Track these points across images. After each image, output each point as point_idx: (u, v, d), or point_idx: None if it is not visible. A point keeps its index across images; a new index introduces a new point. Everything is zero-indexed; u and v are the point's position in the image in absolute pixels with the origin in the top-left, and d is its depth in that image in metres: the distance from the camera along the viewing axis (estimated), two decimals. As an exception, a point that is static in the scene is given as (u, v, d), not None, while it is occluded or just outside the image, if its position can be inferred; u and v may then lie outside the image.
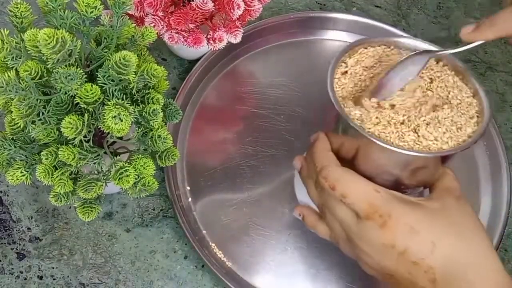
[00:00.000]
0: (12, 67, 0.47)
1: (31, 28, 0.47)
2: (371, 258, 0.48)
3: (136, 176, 0.51)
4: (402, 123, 0.50)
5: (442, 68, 0.55)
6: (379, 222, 0.46)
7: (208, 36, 0.65)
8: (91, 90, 0.47)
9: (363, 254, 0.48)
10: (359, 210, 0.47)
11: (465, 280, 0.44)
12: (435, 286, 0.45)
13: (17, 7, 0.49)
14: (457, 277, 0.44)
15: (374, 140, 0.47)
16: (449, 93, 0.53)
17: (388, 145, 0.47)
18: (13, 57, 0.47)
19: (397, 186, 0.50)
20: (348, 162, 0.50)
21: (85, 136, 0.49)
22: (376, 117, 0.50)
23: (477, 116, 0.52)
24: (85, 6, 0.48)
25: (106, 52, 0.51)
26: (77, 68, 0.46)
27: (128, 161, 0.53)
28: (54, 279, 0.59)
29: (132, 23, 0.54)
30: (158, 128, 0.52)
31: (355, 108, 0.51)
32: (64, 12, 0.49)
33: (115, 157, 0.53)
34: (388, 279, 0.48)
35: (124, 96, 0.49)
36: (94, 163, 0.51)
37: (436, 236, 0.45)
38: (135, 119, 0.50)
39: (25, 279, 0.59)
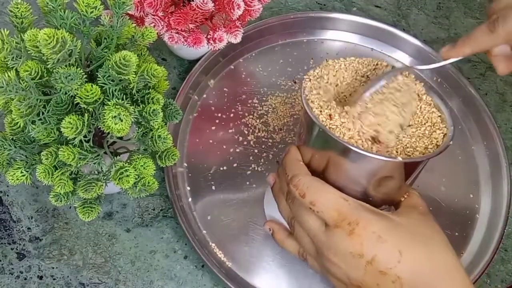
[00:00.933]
0: (12, 67, 0.47)
1: (31, 28, 0.47)
2: (340, 268, 0.48)
3: (136, 176, 0.51)
4: (370, 135, 0.51)
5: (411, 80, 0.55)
6: (347, 230, 0.46)
7: (208, 36, 0.65)
8: (91, 90, 0.47)
9: (332, 265, 0.48)
10: (327, 218, 0.47)
11: None
12: None
13: (17, 7, 0.49)
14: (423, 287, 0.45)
15: (348, 145, 0.47)
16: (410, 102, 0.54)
17: (361, 150, 0.47)
18: (13, 57, 0.47)
19: (364, 198, 0.50)
20: (319, 175, 0.51)
21: (85, 136, 0.49)
22: (344, 126, 0.50)
23: (444, 128, 0.53)
24: (85, 6, 0.48)
25: (106, 52, 0.51)
26: (77, 68, 0.46)
27: (128, 161, 0.53)
28: (54, 279, 0.59)
29: (132, 23, 0.54)
30: (158, 128, 0.52)
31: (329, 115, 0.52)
32: (64, 12, 0.49)
33: (115, 157, 0.53)
34: None
35: (124, 96, 0.49)
36: (94, 163, 0.51)
37: (403, 246, 0.46)
38: (135, 119, 0.50)
39: (25, 279, 0.59)
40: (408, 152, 0.51)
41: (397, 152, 0.51)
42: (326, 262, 0.49)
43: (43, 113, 0.48)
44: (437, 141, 0.52)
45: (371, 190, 0.50)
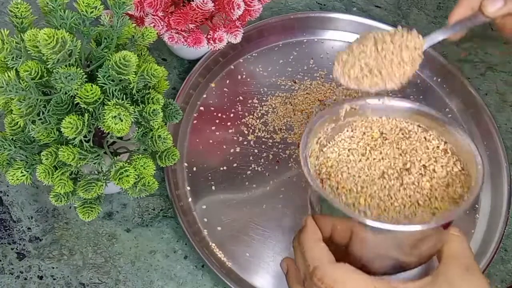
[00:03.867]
0: (12, 67, 0.47)
1: (31, 28, 0.47)
2: None
3: (136, 176, 0.51)
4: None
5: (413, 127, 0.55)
6: None
7: (208, 36, 0.65)
8: (91, 90, 0.47)
9: None
10: None
11: None
12: None
13: (17, 7, 0.49)
14: None
15: (364, 220, 0.44)
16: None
17: (385, 224, 0.44)
18: (13, 57, 0.47)
19: (398, 268, 0.47)
20: (341, 248, 0.47)
21: (85, 136, 0.49)
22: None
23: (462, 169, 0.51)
24: (85, 6, 0.48)
25: (106, 52, 0.51)
26: (77, 68, 0.46)
27: (128, 161, 0.53)
28: (54, 279, 0.59)
29: (132, 23, 0.54)
30: (158, 128, 0.52)
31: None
32: (64, 12, 0.49)
33: (115, 157, 0.53)
34: None
35: (124, 96, 0.49)
36: (94, 163, 0.51)
37: None
38: (135, 119, 0.50)
39: (25, 279, 0.59)
40: (435, 201, 0.48)
41: (424, 204, 0.48)
42: None
43: (43, 113, 0.48)
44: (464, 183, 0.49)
45: (404, 258, 0.47)
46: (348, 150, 0.54)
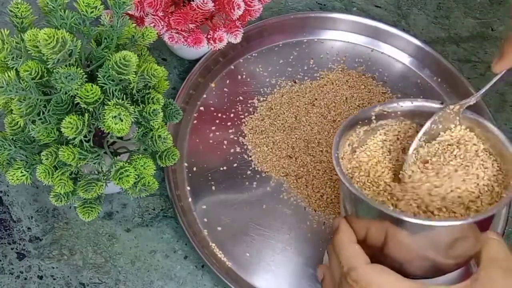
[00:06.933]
0: (12, 67, 0.47)
1: (31, 28, 0.47)
2: None
3: (136, 176, 0.51)
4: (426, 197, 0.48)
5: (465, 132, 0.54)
6: None
7: (208, 36, 0.65)
8: (91, 90, 0.47)
9: None
10: None
11: None
12: None
13: (17, 7, 0.49)
14: None
15: (403, 217, 0.43)
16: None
17: (420, 220, 0.43)
18: (13, 57, 0.47)
19: (435, 270, 0.46)
20: (377, 250, 0.46)
21: (85, 136, 0.49)
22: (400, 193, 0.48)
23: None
24: (85, 6, 0.48)
25: (106, 52, 0.51)
26: (77, 68, 0.46)
27: (128, 161, 0.53)
28: (54, 279, 0.59)
29: (132, 23, 0.54)
30: (158, 128, 0.52)
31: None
32: (64, 12, 0.49)
33: (115, 157, 0.53)
34: None
35: (124, 96, 0.49)
36: (94, 163, 0.51)
37: None
38: (135, 119, 0.50)
39: (25, 279, 0.59)
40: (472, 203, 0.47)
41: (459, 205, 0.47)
42: None
43: (43, 113, 0.48)
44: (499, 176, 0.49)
45: (441, 259, 0.46)
46: (382, 153, 0.53)
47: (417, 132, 0.53)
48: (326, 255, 0.52)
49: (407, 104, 0.54)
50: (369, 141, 0.55)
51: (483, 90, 0.53)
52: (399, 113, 0.54)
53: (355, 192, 0.46)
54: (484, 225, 0.46)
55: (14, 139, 0.52)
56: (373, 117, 0.54)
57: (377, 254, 0.45)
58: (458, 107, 0.52)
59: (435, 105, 0.54)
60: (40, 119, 0.49)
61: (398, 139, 0.55)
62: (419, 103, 0.54)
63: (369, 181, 0.52)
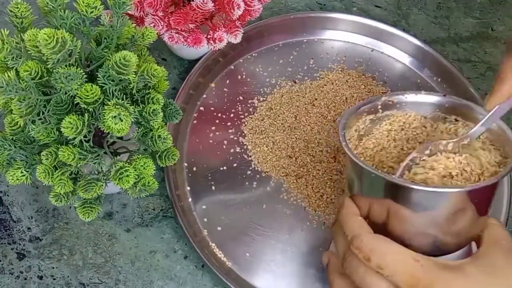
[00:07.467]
0: (12, 67, 0.47)
1: (31, 28, 0.47)
2: None
3: (136, 176, 0.51)
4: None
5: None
6: None
7: (208, 36, 0.65)
8: (91, 90, 0.47)
9: None
10: (399, 282, 0.43)
11: None
12: None
13: (17, 7, 0.49)
14: None
15: (404, 183, 0.45)
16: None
17: (419, 186, 0.45)
18: (13, 57, 0.47)
19: (436, 247, 0.47)
20: (380, 227, 0.47)
21: (85, 136, 0.49)
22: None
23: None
24: (85, 6, 0.48)
25: (106, 52, 0.51)
26: (77, 68, 0.46)
27: (128, 161, 0.53)
28: (54, 279, 0.59)
29: (132, 23, 0.54)
30: (158, 128, 0.52)
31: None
32: (64, 12, 0.49)
33: (115, 157, 0.53)
34: None
35: (124, 96, 0.49)
36: (94, 163, 0.51)
37: None
38: (135, 119, 0.50)
39: (25, 279, 0.59)
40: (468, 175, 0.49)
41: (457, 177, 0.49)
42: None
43: (43, 113, 0.48)
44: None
45: (442, 236, 0.47)
46: (387, 141, 0.55)
47: (421, 123, 0.56)
48: (332, 245, 0.53)
49: (411, 96, 0.56)
50: (375, 130, 0.56)
51: (476, 127, 0.53)
52: (404, 104, 0.56)
53: (359, 163, 0.47)
54: (482, 207, 0.47)
55: (14, 139, 0.52)
56: (379, 107, 0.56)
57: (380, 232, 0.47)
58: (452, 144, 0.53)
59: (438, 97, 0.56)
60: (40, 119, 0.49)
61: (402, 129, 0.56)
62: (423, 95, 0.56)
63: (373, 165, 0.54)
